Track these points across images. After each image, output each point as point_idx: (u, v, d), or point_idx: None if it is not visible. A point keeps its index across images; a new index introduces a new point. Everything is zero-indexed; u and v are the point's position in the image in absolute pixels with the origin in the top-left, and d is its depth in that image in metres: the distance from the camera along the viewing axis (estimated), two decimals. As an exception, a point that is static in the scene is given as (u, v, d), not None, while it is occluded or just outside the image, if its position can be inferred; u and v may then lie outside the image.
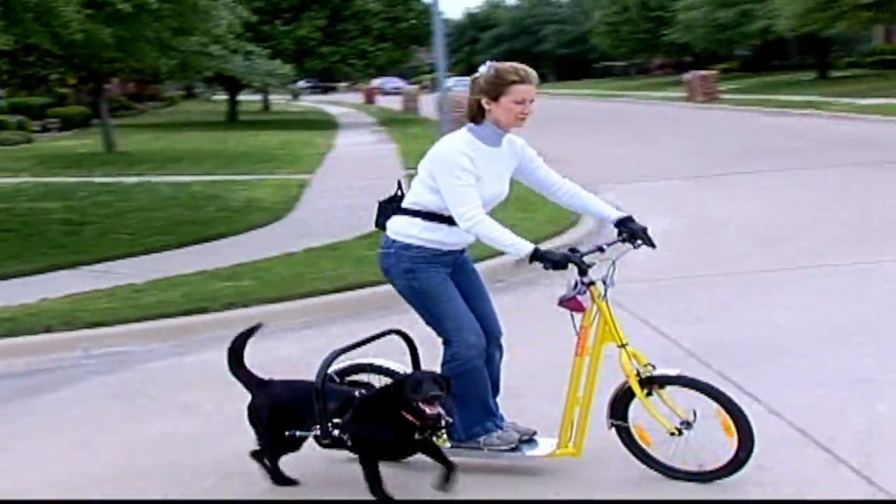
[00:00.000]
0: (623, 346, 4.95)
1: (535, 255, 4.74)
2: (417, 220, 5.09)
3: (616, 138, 29.33)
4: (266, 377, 5.29)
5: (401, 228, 5.14)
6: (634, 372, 4.95)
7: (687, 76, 48.07)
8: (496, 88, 4.97)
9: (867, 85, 41.09)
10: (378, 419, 4.83)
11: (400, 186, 5.29)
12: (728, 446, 4.83)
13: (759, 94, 44.39)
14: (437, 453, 4.99)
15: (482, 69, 5.06)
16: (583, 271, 4.83)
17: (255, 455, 5.35)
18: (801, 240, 11.64)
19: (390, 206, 5.25)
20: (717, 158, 21.19)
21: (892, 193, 15.06)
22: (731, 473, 4.87)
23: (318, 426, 4.92)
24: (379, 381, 5.36)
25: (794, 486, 4.95)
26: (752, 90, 47.94)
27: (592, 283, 4.88)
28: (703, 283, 9.73)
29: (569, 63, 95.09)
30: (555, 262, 4.69)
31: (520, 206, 14.14)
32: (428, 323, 5.24)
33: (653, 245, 5.17)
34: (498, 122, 5.01)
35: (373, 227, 5.36)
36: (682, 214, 14.07)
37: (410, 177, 5.35)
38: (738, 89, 49.40)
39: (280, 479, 5.26)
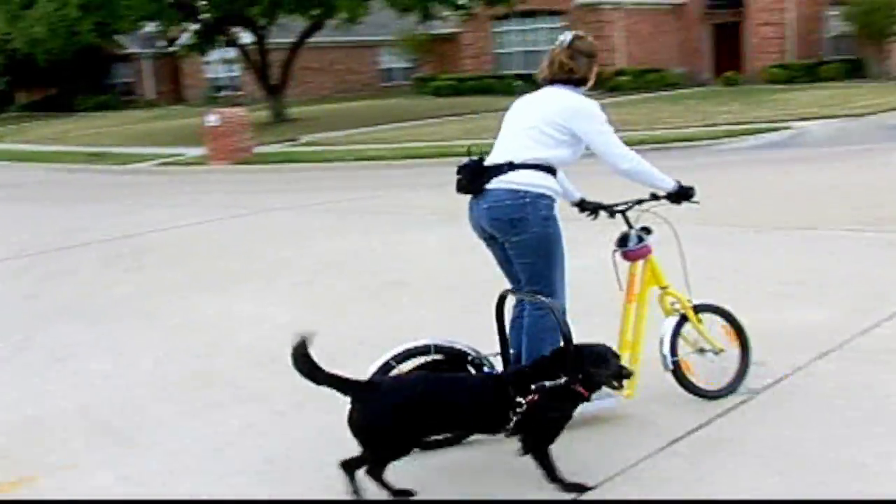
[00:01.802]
0: (666, 287, 4.75)
1: (681, 190, 4.60)
2: (544, 172, 4.42)
3: None
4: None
5: (534, 180, 4.39)
6: (688, 303, 4.77)
7: None
8: (596, 55, 4.63)
9: None
10: (565, 398, 3.95)
11: (480, 153, 4.57)
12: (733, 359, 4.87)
13: None
14: None
15: (566, 37, 4.62)
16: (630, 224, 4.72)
17: (349, 465, 3.88)
18: None
19: (485, 169, 4.46)
20: None
21: None
22: (740, 382, 4.86)
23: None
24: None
25: None
26: None
27: (649, 231, 4.67)
28: None
29: None
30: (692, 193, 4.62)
31: None
32: (537, 272, 4.44)
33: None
34: (589, 84, 4.62)
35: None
36: None
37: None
38: None
39: (395, 490, 3.90)
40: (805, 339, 5.50)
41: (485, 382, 4.16)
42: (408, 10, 29.16)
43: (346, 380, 3.84)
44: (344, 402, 3.85)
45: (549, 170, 4.44)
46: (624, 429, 4.54)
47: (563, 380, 3.91)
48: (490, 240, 4.59)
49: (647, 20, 40.39)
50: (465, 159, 4.51)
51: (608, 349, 4.10)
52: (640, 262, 4.67)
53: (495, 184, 4.41)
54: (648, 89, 36.60)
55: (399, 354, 4.37)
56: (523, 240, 4.41)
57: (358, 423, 3.82)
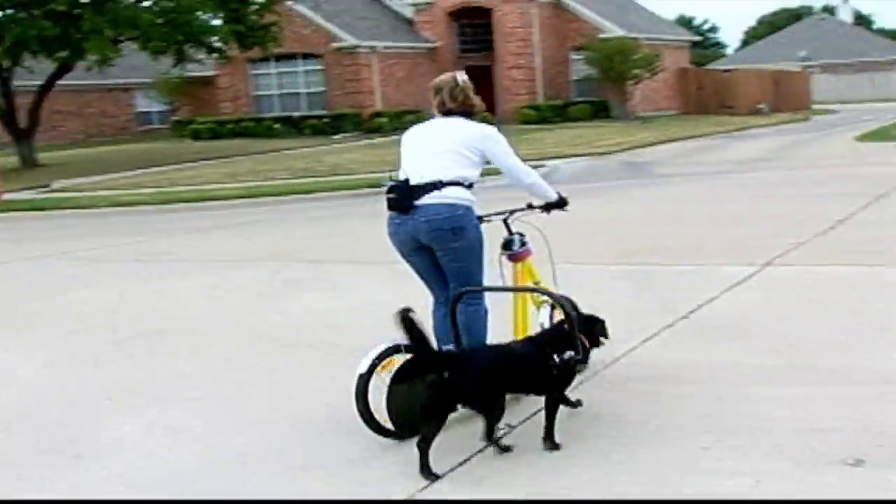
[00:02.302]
0: (538, 282, 5.53)
1: (560, 200, 5.55)
2: (466, 188, 5.14)
3: None
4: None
5: (461, 194, 5.11)
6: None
7: None
8: None
9: None
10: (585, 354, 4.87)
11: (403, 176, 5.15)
12: None
13: None
14: None
15: (462, 76, 5.35)
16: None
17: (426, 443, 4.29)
18: None
19: (413, 188, 5.06)
20: None
21: None
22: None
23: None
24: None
25: None
26: None
27: (524, 236, 5.54)
28: None
29: None
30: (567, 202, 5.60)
31: None
32: (469, 274, 5.18)
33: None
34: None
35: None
36: None
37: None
38: None
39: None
40: (560, 370, 5.62)
41: (532, 348, 4.72)
42: (161, 52, 28.43)
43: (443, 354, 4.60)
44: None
45: (470, 186, 5.16)
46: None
47: (580, 342, 4.69)
48: (417, 251, 5.18)
49: (402, 63, 41.26)
50: (390, 183, 5.13)
51: (595, 316, 5.05)
52: (520, 263, 5.47)
53: (429, 200, 5.04)
54: (406, 130, 37.24)
55: (380, 355, 4.75)
56: (462, 246, 5.10)
57: (462, 390, 4.36)
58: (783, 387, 5.29)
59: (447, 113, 5.26)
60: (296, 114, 40.10)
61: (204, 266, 11.03)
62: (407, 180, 5.09)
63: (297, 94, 41.15)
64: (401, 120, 37.96)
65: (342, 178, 20.69)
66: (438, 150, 5.13)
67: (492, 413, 4.46)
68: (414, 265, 5.28)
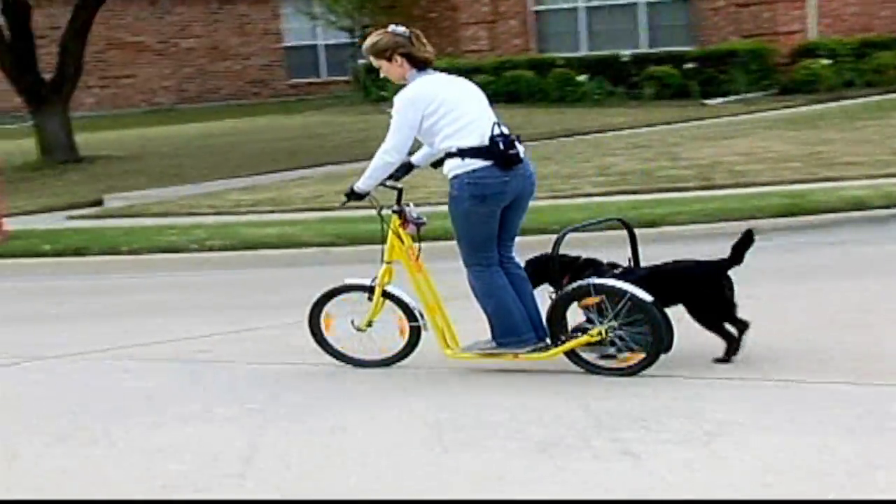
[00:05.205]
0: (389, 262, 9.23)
1: None
2: None
3: None
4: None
5: None
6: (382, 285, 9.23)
7: None
8: None
9: None
10: None
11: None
12: (400, 341, 9.22)
13: None
14: None
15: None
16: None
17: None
18: None
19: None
20: None
21: None
22: (402, 359, 9.24)
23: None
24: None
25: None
26: None
27: None
28: None
29: None
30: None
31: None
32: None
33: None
34: None
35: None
36: None
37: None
38: None
39: None
40: None
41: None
42: None
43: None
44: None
45: None
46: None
47: None
48: (503, 206, 8.54)
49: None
50: (502, 136, 8.33)
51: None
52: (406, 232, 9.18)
53: (522, 152, 8.54)
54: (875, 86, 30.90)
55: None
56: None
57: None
58: None
59: (425, 64, 8.51)
60: (626, 52, 34.02)
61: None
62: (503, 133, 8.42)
63: (630, 6, 35.64)
64: (856, 64, 31.55)
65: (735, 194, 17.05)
66: (485, 106, 8.49)
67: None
68: (493, 225, 8.37)
